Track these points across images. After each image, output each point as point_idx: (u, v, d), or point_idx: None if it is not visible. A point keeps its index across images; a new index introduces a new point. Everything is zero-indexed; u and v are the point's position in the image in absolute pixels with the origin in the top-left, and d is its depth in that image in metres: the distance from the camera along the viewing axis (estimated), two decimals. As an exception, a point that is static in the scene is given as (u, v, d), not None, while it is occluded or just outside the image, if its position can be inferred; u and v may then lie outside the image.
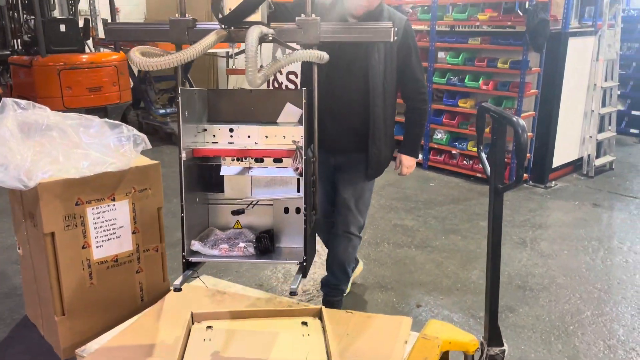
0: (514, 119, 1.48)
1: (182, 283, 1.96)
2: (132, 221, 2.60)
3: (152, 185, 2.64)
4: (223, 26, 1.86)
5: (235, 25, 1.83)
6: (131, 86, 6.53)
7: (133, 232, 2.61)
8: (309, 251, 2.03)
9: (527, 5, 4.67)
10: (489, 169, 1.71)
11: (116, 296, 2.56)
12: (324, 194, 2.68)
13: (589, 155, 5.18)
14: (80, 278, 2.42)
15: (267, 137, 2.11)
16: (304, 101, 1.90)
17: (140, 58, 1.75)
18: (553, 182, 4.98)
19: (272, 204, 2.24)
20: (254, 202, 2.24)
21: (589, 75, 5.07)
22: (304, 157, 1.94)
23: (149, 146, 2.61)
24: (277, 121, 2.17)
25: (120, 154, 2.50)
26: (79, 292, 2.42)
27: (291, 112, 2.17)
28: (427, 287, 3.18)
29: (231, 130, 2.12)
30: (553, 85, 4.71)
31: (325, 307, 2.57)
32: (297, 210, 2.21)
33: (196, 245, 2.09)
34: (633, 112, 6.63)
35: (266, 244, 2.15)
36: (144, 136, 2.61)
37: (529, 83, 4.69)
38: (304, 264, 2.00)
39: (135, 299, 2.65)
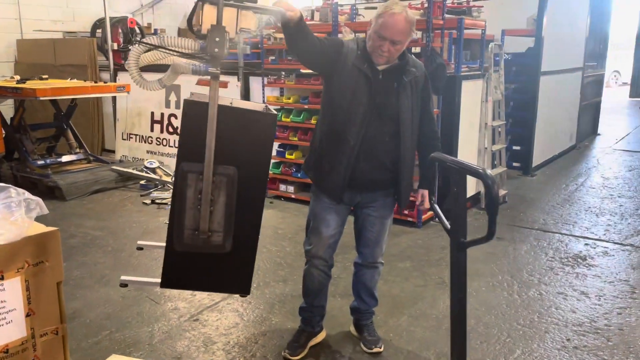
0: (480, 170, 1.41)
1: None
2: (26, 302, 2.17)
3: (49, 256, 2.24)
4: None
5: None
6: (3, 136, 5.82)
7: (27, 315, 2.18)
8: (166, 264, 2.11)
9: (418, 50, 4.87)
10: (447, 223, 1.61)
11: (7, 396, 2.11)
12: (338, 234, 2.81)
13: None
14: (-41, 381, 1.95)
15: None
16: (183, 112, 1.98)
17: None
18: (457, 218, 5.14)
19: None
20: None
21: (479, 115, 5.38)
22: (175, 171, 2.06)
23: (45, 211, 2.22)
24: None
25: (10, 223, 2.09)
26: (-42, 400, 1.95)
27: None
28: (358, 341, 3.02)
29: None
30: (451, 125, 4.92)
31: (357, 330, 3.04)
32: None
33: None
34: (514, 148, 7.14)
35: None
36: (39, 200, 2.22)
37: (430, 124, 4.85)
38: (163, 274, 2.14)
39: (31, 396, 2.20)
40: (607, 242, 4.58)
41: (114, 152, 7.51)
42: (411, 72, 2.60)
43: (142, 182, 6.22)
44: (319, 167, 2.68)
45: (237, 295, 3.57)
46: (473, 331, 3.13)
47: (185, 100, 1.96)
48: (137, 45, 2.02)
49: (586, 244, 4.56)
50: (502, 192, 5.68)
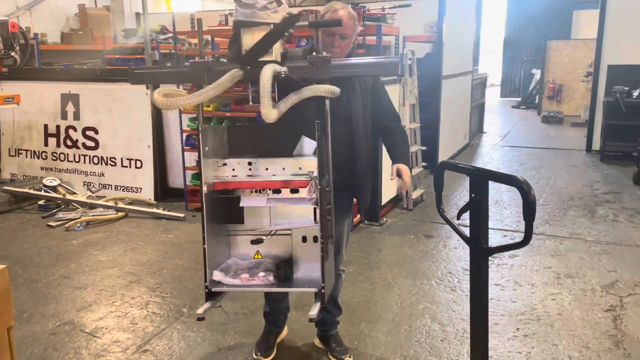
0: (513, 177, 1.43)
1: (204, 311, 2.12)
2: (-27, 356, 1.85)
3: (-3, 299, 1.93)
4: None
5: (251, 65, 2.05)
6: None
7: (-25, 371, 1.85)
8: (327, 278, 2.18)
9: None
10: (463, 231, 1.62)
11: None
12: None
13: (407, 190, 5.62)
14: None
15: (284, 169, 2.28)
16: (317, 133, 2.12)
17: (163, 99, 2.00)
18: (384, 219, 5.27)
19: (290, 234, 2.40)
20: (273, 232, 2.38)
21: (398, 118, 5.55)
22: (318, 187, 2.16)
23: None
24: (293, 153, 2.33)
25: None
26: None
27: (306, 144, 2.35)
28: (324, 353, 2.97)
29: (250, 163, 2.29)
30: (376, 129, 5.02)
31: (323, 342, 2.97)
32: (315, 239, 2.37)
33: (218, 275, 2.21)
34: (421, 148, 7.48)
35: (285, 272, 2.28)
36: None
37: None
38: (323, 291, 2.16)
39: None
40: (521, 232, 4.92)
41: (-2, 170, 6.73)
42: None
43: (41, 202, 5.63)
44: None
45: (183, 318, 3.36)
46: (432, 330, 3.21)
47: (317, 122, 2.16)
48: (273, 68, 1.94)
49: (505, 236, 4.90)
50: (420, 191, 5.92)
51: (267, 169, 2.29)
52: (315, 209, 2.28)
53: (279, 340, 3.02)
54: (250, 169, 2.30)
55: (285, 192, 2.26)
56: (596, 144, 8.49)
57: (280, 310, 2.96)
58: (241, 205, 2.30)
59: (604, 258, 4.28)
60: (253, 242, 2.37)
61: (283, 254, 2.44)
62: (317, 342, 3.03)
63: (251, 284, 2.21)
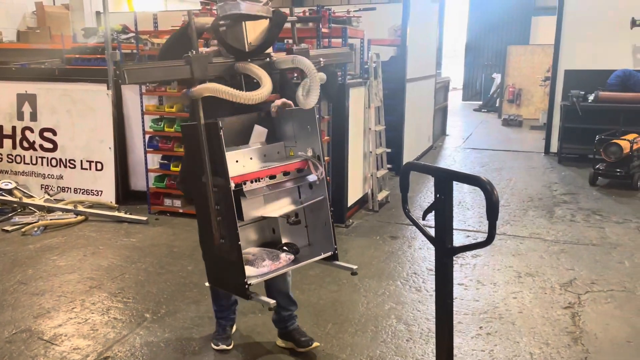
0: (476, 177, 1.45)
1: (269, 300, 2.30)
2: None
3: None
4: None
5: (254, 57, 2.34)
6: None
7: None
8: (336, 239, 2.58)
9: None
10: (429, 231, 1.64)
11: None
12: None
13: (372, 192, 5.67)
14: None
15: (251, 158, 2.46)
16: (317, 116, 2.45)
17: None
18: (350, 220, 5.29)
19: (261, 219, 2.58)
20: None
21: (363, 120, 5.59)
22: (324, 163, 2.45)
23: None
24: (250, 143, 2.49)
25: None
26: None
27: (259, 133, 2.49)
28: (297, 356, 2.95)
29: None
30: (342, 131, 5.05)
31: (287, 338, 2.97)
32: (296, 215, 2.61)
33: (249, 270, 2.30)
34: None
35: (297, 248, 2.53)
36: None
37: (323, 131, 4.93)
38: (336, 252, 2.60)
39: None
40: (483, 232, 5.03)
41: (-52, 173, 6.44)
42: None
43: (-4, 206, 5.43)
44: None
45: (146, 324, 3.29)
46: (397, 330, 3.24)
47: (316, 106, 2.48)
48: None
49: (467, 236, 4.98)
50: (385, 193, 5.97)
51: (237, 161, 2.39)
52: (299, 187, 2.58)
53: (233, 330, 3.14)
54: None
55: (279, 177, 2.45)
56: (554, 147, 8.73)
57: (230, 304, 3.04)
58: (249, 196, 2.39)
59: (562, 257, 4.41)
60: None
61: (262, 238, 2.61)
62: (279, 342, 3.02)
63: (279, 267, 2.38)
